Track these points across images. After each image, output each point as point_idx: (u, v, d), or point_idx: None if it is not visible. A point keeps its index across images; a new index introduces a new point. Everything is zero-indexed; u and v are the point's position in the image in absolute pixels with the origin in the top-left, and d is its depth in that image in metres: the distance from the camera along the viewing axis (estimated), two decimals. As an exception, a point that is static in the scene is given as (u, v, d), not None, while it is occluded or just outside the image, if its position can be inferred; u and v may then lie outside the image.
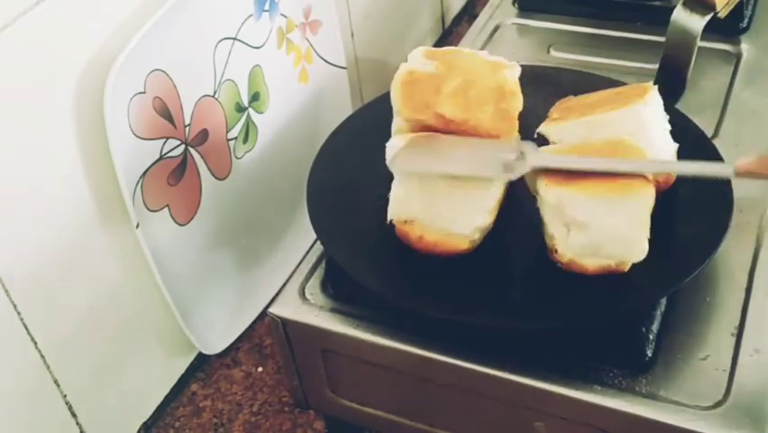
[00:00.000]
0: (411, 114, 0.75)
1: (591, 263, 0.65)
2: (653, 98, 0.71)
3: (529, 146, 0.69)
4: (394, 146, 0.71)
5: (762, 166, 0.63)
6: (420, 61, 0.77)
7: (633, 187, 0.64)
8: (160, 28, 0.72)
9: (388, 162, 0.71)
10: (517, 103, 0.75)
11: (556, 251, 0.66)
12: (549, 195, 0.65)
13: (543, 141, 0.72)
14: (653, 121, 0.71)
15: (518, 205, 0.69)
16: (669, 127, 0.72)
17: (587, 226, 0.63)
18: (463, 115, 0.74)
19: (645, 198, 0.64)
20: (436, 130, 0.75)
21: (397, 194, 0.68)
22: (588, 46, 1.00)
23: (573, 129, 0.71)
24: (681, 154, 0.73)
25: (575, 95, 0.77)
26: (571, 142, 0.71)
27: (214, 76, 0.81)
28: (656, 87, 0.72)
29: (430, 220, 0.67)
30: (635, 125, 0.70)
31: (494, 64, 0.77)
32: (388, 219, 0.69)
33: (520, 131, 0.75)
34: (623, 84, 0.81)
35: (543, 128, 0.73)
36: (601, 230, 0.63)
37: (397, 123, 0.77)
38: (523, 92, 0.77)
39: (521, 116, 0.75)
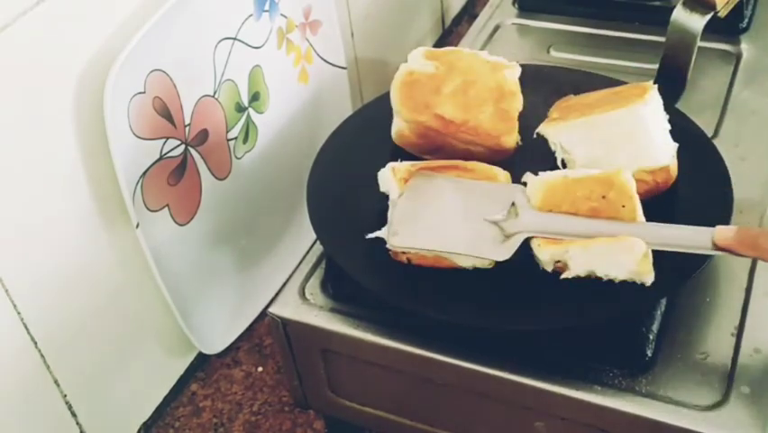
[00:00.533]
0: (410, 114, 0.75)
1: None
2: (652, 98, 0.71)
3: (521, 197, 0.67)
4: (385, 179, 0.71)
5: (740, 242, 0.60)
6: (420, 62, 0.77)
7: (620, 240, 0.64)
8: (160, 28, 0.72)
9: (381, 189, 0.71)
10: (517, 103, 0.75)
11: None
12: (543, 255, 0.65)
13: (542, 141, 0.72)
14: (653, 120, 0.71)
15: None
16: (669, 126, 0.72)
17: (590, 274, 0.64)
18: (463, 115, 0.74)
19: (638, 244, 0.63)
20: (436, 131, 0.75)
21: (392, 232, 0.67)
22: (588, 46, 1.00)
23: (573, 129, 0.71)
24: (682, 154, 0.73)
25: (575, 95, 0.77)
26: (570, 142, 0.71)
27: (214, 76, 0.81)
28: (656, 86, 0.72)
29: (429, 255, 0.68)
30: (635, 125, 0.70)
31: (494, 64, 0.77)
32: (387, 245, 0.68)
33: (520, 131, 0.75)
34: (623, 83, 0.81)
35: (542, 128, 0.73)
36: (605, 275, 0.64)
37: (396, 123, 0.77)
38: (523, 92, 0.77)
39: (521, 116, 0.75)
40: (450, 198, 0.69)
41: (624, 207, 0.65)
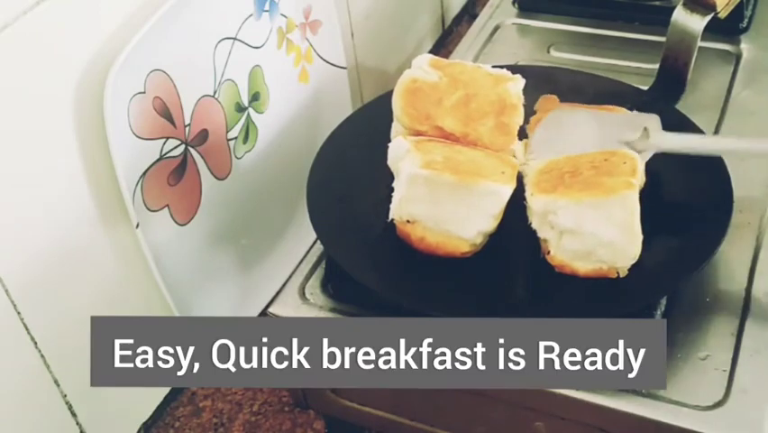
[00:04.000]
0: (411, 123, 0.75)
1: (583, 267, 0.65)
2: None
3: (653, 123, 0.72)
4: (397, 147, 0.71)
5: None
6: (424, 69, 0.77)
7: (616, 190, 0.64)
8: (160, 28, 0.72)
9: (390, 162, 0.72)
10: (518, 117, 0.75)
11: (549, 252, 0.66)
12: (535, 204, 0.65)
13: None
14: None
15: (519, 206, 0.69)
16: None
17: (575, 233, 0.64)
18: (463, 128, 0.74)
19: (629, 201, 0.64)
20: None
21: (400, 194, 0.68)
22: (588, 46, 1.00)
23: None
24: (682, 155, 0.73)
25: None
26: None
27: (214, 76, 0.81)
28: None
29: (433, 222, 0.67)
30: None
31: (497, 77, 0.77)
32: (390, 218, 0.69)
33: (520, 136, 0.75)
34: (623, 83, 0.82)
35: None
36: (590, 236, 0.64)
37: (396, 127, 0.77)
38: (523, 92, 0.77)
39: (521, 126, 0.75)
40: (586, 125, 0.74)
41: (625, 163, 0.66)
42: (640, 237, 0.64)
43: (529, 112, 0.77)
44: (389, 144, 0.72)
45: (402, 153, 0.70)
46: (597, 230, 0.64)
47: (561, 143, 0.71)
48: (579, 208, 0.64)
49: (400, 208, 0.68)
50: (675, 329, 0.67)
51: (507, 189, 0.67)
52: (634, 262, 0.64)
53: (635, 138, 0.71)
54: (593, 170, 0.66)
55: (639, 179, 0.68)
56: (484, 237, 0.68)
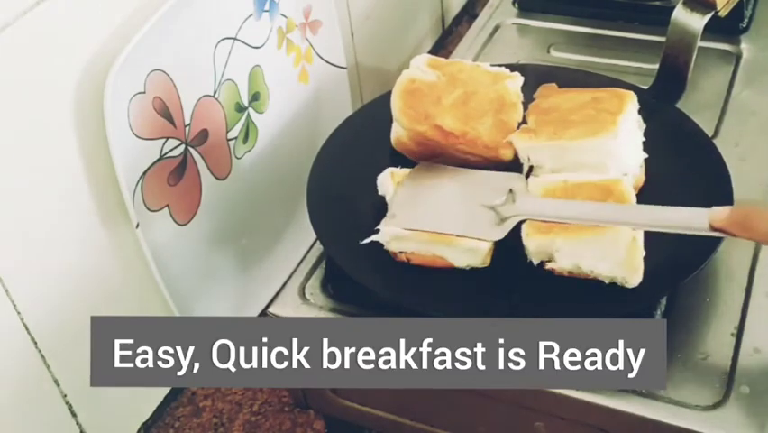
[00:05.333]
0: (410, 124, 0.75)
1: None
2: (626, 118, 0.71)
3: (518, 184, 0.69)
4: (383, 183, 0.72)
5: (732, 222, 0.60)
6: (422, 69, 0.77)
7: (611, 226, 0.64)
8: (160, 28, 0.72)
9: (380, 192, 0.72)
10: (517, 115, 0.75)
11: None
12: (531, 244, 0.66)
13: None
14: (623, 151, 0.71)
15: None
16: (642, 138, 0.73)
17: (575, 268, 0.65)
18: (462, 127, 0.74)
19: (623, 236, 0.64)
20: (435, 141, 0.75)
21: (388, 238, 0.68)
22: (588, 46, 1.00)
23: (542, 149, 0.71)
24: (682, 154, 0.73)
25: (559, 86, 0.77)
26: (538, 159, 0.72)
27: (214, 76, 0.81)
28: (635, 96, 0.72)
29: (426, 253, 0.68)
30: (603, 157, 0.70)
31: (495, 75, 0.77)
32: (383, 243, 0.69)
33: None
34: (622, 84, 0.81)
35: (514, 138, 0.73)
36: (590, 271, 0.65)
37: (396, 129, 0.77)
38: (522, 91, 0.77)
39: (521, 126, 0.75)
40: (449, 184, 0.71)
41: (621, 193, 0.66)
42: (641, 267, 0.64)
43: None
44: (378, 178, 0.72)
45: (388, 199, 0.71)
46: (596, 267, 0.64)
47: (422, 206, 0.69)
48: (575, 247, 0.64)
49: (392, 244, 0.69)
50: (675, 329, 0.67)
51: (486, 244, 0.67)
52: (638, 283, 0.64)
53: (500, 202, 0.68)
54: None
55: (634, 184, 0.69)
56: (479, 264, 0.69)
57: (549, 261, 0.66)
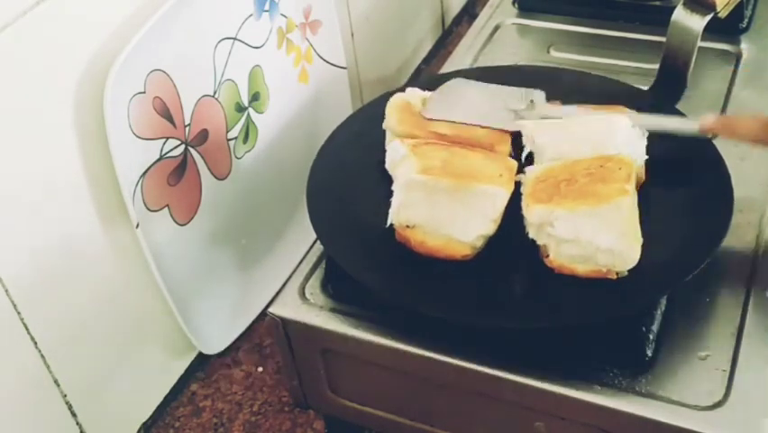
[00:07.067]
0: (406, 129, 0.76)
1: (582, 268, 0.66)
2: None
3: (538, 96, 0.78)
4: (394, 151, 0.71)
5: (720, 124, 0.72)
6: (416, 99, 0.78)
7: (610, 197, 0.64)
8: (159, 28, 0.72)
9: (388, 167, 0.72)
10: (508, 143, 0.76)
11: (548, 255, 0.66)
12: (532, 215, 0.66)
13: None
14: (625, 134, 0.72)
15: (519, 207, 0.69)
16: (645, 143, 0.72)
17: (573, 241, 0.64)
18: (458, 131, 0.74)
19: (624, 208, 0.64)
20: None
21: (399, 199, 0.68)
22: (588, 46, 1.00)
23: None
24: (682, 154, 0.73)
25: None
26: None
27: (214, 76, 0.81)
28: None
29: (432, 226, 0.68)
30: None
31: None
32: (389, 223, 0.69)
33: (516, 142, 0.75)
34: (622, 84, 0.81)
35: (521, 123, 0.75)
36: (588, 244, 0.64)
37: (390, 136, 0.77)
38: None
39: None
40: (477, 94, 0.80)
41: (620, 168, 0.67)
42: (639, 242, 0.64)
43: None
44: (387, 148, 0.72)
45: (400, 158, 0.70)
46: (594, 238, 0.64)
47: (453, 108, 0.77)
48: (574, 218, 0.64)
49: (399, 214, 0.68)
50: (675, 329, 0.67)
51: (505, 192, 0.67)
52: (634, 265, 0.64)
53: (522, 108, 0.77)
54: (588, 177, 0.66)
55: (636, 182, 0.68)
56: (484, 240, 0.68)
57: (548, 255, 0.66)
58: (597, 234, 0.64)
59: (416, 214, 0.68)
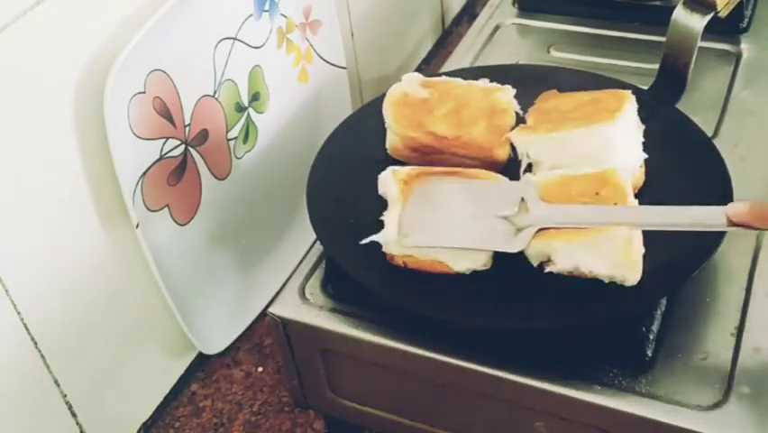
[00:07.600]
0: (403, 130, 0.75)
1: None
2: (625, 114, 0.71)
3: (529, 191, 0.67)
4: (384, 184, 0.71)
5: (754, 216, 0.60)
6: (414, 87, 0.77)
7: (606, 227, 0.64)
8: (159, 28, 0.72)
9: (380, 192, 0.72)
10: (510, 119, 0.76)
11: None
12: (529, 249, 0.66)
13: None
14: (622, 138, 0.71)
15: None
16: (641, 138, 0.72)
17: (574, 270, 0.65)
18: (455, 131, 0.74)
19: (619, 237, 0.64)
20: (428, 145, 0.75)
21: (391, 234, 0.67)
22: (588, 46, 1.00)
23: (540, 142, 0.72)
24: (682, 154, 0.73)
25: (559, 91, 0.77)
26: (537, 154, 0.72)
27: (214, 76, 0.81)
28: (633, 97, 0.72)
29: (425, 258, 0.68)
30: (601, 146, 0.70)
31: (487, 89, 0.78)
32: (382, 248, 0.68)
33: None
34: (622, 84, 0.81)
35: (513, 135, 0.73)
36: (589, 272, 0.65)
37: (390, 136, 0.77)
38: (523, 92, 0.77)
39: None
40: (459, 199, 0.69)
41: (615, 204, 0.66)
42: (639, 266, 0.64)
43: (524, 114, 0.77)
44: (379, 177, 0.72)
45: (390, 199, 0.70)
46: (594, 268, 0.64)
47: (435, 222, 0.67)
48: (572, 250, 0.64)
49: (392, 249, 0.68)
50: (675, 329, 0.67)
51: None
52: (636, 282, 0.64)
53: (514, 212, 0.66)
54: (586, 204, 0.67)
55: (634, 184, 0.68)
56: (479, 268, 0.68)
57: (548, 262, 0.66)
58: (595, 264, 0.64)
59: (408, 249, 0.68)
